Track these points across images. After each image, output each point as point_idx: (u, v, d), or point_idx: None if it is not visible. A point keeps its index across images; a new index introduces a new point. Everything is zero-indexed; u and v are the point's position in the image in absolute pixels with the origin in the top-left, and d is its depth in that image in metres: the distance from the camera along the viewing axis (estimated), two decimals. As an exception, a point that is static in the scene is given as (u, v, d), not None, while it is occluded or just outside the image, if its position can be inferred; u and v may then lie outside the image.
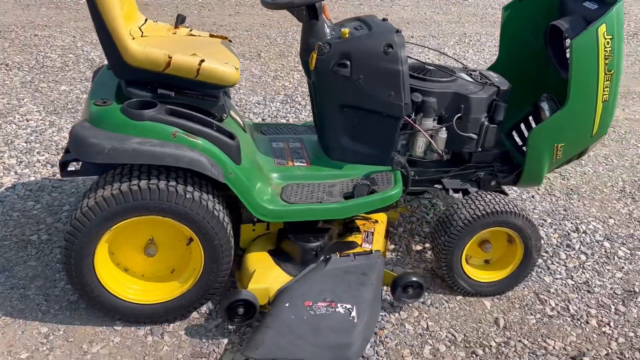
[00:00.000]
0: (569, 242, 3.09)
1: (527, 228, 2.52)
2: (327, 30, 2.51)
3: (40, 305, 2.44)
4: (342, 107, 2.54)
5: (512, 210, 2.48)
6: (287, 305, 2.22)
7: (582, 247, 3.06)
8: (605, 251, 3.05)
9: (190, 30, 2.67)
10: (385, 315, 2.50)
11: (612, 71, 2.51)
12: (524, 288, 2.73)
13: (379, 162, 2.63)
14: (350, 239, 2.63)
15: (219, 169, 2.20)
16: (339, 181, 2.59)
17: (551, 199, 3.52)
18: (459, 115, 2.61)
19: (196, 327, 2.38)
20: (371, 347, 2.34)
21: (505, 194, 2.95)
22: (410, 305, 2.57)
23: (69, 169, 2.49)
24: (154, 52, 2.18)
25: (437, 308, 2.57)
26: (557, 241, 3.10)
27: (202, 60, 2.22)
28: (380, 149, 2.59)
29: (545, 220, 3.28)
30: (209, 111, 2.36)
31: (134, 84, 2.26)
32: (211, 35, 2.67)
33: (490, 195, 2.57)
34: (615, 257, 3.01)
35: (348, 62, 2.43)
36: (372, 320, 2.28)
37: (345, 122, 2.58)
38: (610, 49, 2.47)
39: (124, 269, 2.35)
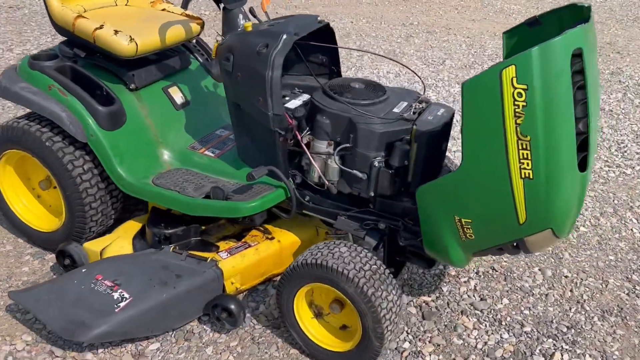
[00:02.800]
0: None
1: (361, 302, 1.98)
2: (241, 23, 2.37)
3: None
4: (236, 105, 2.39)
5: (343, 272, 1.98)
6: (83, 270, 2.29)
7: (526, 376, 2.19)
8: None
9: (167, 6, 2.84)
10: (208, 330, 2.33)
11: (529, 137, 1.73)
12: (379, 379, 2.15)
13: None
14: (221, 242, 2.49)
15: (79, 127, 2.37)
16: (226, 181, 2.46)
17: (569, 308, 2.53)
18: (346, 145, 2.17)
19: (63, 265, 2.64)
20: (160, 351, 2.24)
21: (428, 265, 2.33)
22: (236, 332, 2.32)
23: None
24: (66, 12, 2.46)
25: (267, 351, 2.25)
26: (506, 356, 2.28)
27: (99, 28, 2.39)
28: (265, 161, 2.34)
29: (522, 327, 2.42)
30: (122, 78, 2.54)
31: (65, 42, 2.59)
32: (186, 15, 2.78)
33: (345, 248, 2.09)
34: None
35: (231, 57, 2.27)
36: (145, 320, 2.16)
37: (242, 122, 2.41)
38: (523, 104, 1.70)
39: (37, 196, 2.75)
